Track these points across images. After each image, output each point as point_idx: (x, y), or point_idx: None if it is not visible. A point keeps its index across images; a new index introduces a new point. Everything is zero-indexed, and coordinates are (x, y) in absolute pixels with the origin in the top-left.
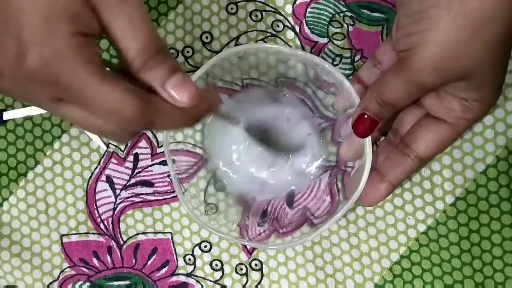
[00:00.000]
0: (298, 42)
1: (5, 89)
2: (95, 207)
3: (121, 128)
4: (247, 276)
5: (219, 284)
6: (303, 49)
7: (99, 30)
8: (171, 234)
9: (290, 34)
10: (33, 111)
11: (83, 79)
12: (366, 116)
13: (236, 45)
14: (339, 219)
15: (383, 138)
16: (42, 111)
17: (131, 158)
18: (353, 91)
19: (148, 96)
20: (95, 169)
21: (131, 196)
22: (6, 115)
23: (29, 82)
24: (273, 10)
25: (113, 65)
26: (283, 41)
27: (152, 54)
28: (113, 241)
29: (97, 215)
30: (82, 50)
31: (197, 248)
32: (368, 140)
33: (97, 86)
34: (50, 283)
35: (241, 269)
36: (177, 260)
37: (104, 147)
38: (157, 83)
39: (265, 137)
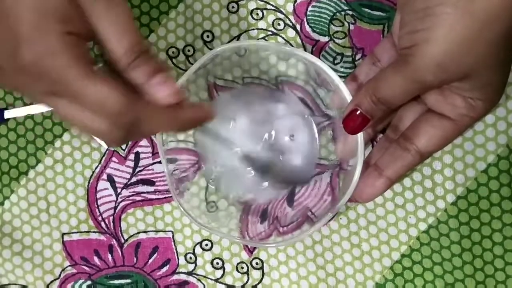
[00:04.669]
0: (299, 41)
1: (2, 81)
2: (96, 206)
3: (108, 124)
4: (248, 274)
5: (220, 282)
6: (304, 47)
7: (88, 31)
8: (172, 232)
9: (291, 33)
10: (34, 109)
11: (71, 75)
12: (358, 113)
13: None
14: (340, 218)
15: (381, 135)
16: (43, 110)
17: (132, 157)
18: (345, 89)
19: (133, 94)
20: (96, 168)
21: (132, 195)
22: (7, 114)
23: (23, 75)
24: (274, 8)
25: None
26: (284, 39)
27: (136, 55)
28: (114, 240)
29: (98, 213)
30: (71, 48)
31: (198, 246)
32: (360, 136)
33: (84, 82)
34: (51, 281)
35: (242, 267)
36: (178, 258)
37: (105, 146)
38: (140, 81)
39: (264, 135)
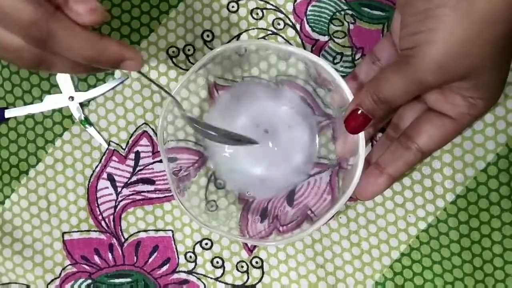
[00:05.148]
0: (299, 40)
1: None
2: (96, 205)
3: (21, 39)
4: (248, 273)
5: (220, 281)
6: (304, 47)
7: None
8: (172, 231)
9: (291, 32)
10: (35, 109)
11: None
12: (359, 112)
13: None
14: (339, 217)
15: (380, 134)
16: (44, 109)
17: (132, 156)
18: (347, 88)
19: (49, 6)
20: (96, 167)
21: (132, 194)
22: (8, 113)
23: None
24: (274, 8)
25: None
26: (284, 39)
27: None
28: (114, 239)
29: (98, 212)
30: None
31: (198, 245)
32: (361, 135)
33: None
34: (52, 280)
35: (242, 266)
36: (178, 257)
37: (105, 145)
38: None
39: (264, 134)
